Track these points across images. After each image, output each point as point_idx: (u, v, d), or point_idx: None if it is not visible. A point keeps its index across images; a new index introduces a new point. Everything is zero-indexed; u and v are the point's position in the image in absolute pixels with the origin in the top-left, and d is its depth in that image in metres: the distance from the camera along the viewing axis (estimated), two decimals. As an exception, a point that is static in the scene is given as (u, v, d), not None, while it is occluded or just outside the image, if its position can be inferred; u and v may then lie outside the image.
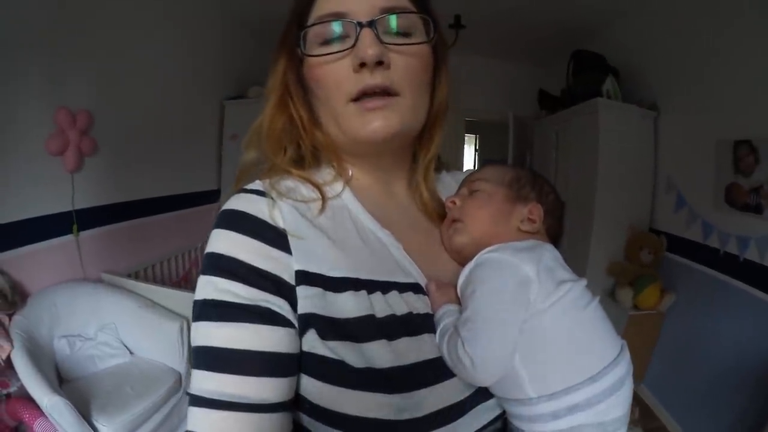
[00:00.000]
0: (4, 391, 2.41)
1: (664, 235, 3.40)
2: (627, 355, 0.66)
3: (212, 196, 4.55)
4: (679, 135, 3.34)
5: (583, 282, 0.68)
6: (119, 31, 3.24)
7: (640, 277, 3.32)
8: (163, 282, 3.70)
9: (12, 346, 2.38)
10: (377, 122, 0.67)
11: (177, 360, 2.85)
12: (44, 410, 2.20)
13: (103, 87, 3.14)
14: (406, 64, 0.68)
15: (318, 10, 0.69)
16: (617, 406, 0.62)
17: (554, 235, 0.82)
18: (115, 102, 3.25)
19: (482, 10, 3.99)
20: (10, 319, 2.51)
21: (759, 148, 2.53)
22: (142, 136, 3.55)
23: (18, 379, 2.42)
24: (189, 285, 4.07)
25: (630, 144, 3.54)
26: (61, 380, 2.55)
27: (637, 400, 3.32)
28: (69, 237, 3.01)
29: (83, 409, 2.25)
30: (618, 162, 3.53)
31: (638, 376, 3.38)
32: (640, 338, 3.30)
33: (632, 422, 3.13)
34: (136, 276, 3.45)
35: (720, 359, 2.81)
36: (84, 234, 3.10)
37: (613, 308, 3.38)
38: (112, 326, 2.92)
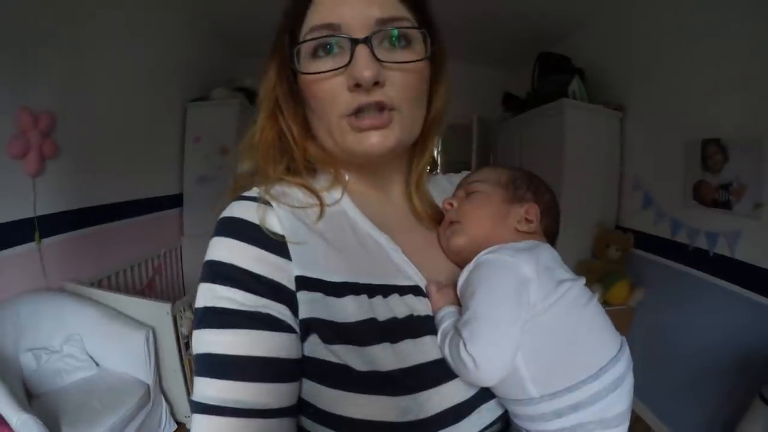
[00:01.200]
0: None
1: (632, 232, 3.49)
2: (627, 350, 0.67)
3: (174, 201, 4.46)
4: (645, 135, 3.43)
5: (582, 281, 0.70)
6: (83, 32, 3.13)
7: (609, 273, 3.39)
8: (127, 290, 3.60)
9: (-25, 361, 2.28)
10: (373, 139, 0.67)
11: (144, 371, 2.79)
12: (13, 428, 2.09)
13: (65, 88, 3.02)
14: (402, 81, 0.67)
15: (311, 20, 0.68)
16: (619, 402, 0.63)
17: (551, 235, 0.84)
18: (77, 104, 3.13)
19: (449, 14, 3.95)
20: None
21: (728, 146, 2.62)
22: (104, 139, 3.43)
23: None
24: (153, 293, 3.99)
25: (596, 144, 3.61)
26: (29, 395, 2.46)
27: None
28: (31, 245, 2.87)
29: (53, 426, 2.20)
30: (584, 162, 3.59)
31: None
32: None
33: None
34: (99, 284, 3.34)
35: (692, 351, 2.90)
36: (46, 241, 2.97)
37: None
38: (78, 337, 2.81)
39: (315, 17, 0.67)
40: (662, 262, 3.20)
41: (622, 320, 3.40)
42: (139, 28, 3.73)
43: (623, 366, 0.64)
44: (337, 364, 0.61)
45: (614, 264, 3.46)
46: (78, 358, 2.75)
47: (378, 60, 0.64)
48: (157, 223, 4.14)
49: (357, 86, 0.64)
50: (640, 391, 3.25)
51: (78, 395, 2.56)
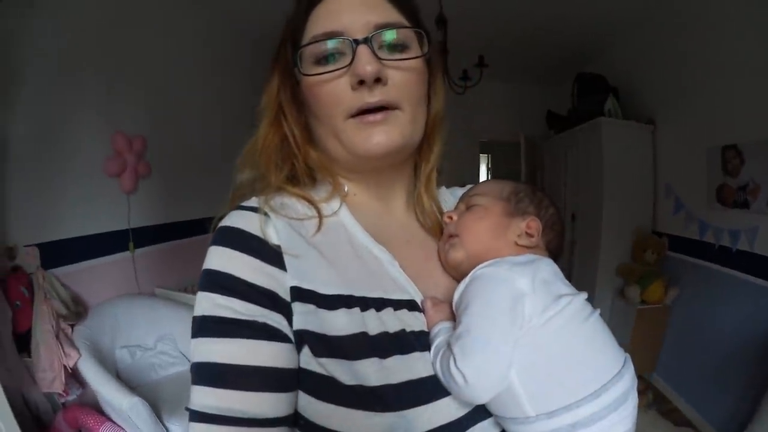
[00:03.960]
0: (63, 399, 2.51)
1: (666, 236, 3.73)
2: (631, 368, 0.65)
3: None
4: (673, 145, 3.69)
5: (583, 295, 0.67)
6: (166, 64, 3.51)
7: (646, 274, 3.62)
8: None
9: (79, 354, 2.49)
10: (378, 136, 0.68)
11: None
12: (120, 413, 2.29)
13: (153, 115, 3.36)
14: (403, 79, 0.69)
15: (312, 29, 0.69)
16: (621, 422, 0.60)
17: (554, 250, 0.81)
18: (164, 129, 3.48)
19: (498, 41, 4.36)
20: (72, 330, 2.62)
21: (744, 151, 2.89)
22: (187, 161, 3.77)
23: (78, 388, 2.56)
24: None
25: (631, 156, 3.90)
26: (124, 387, 2.64)
27: (650, 386, 3.60)
28: (125, 253, 3.18)
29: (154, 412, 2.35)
30: (621, 173, 3.88)
31: (650, 366, 3.64)
32: (649, 330, 3.59)
33: (646, 405, 3.43)
34: (184, 291, 3.58)
35: (722, 342, 3.09)
36: (139, 251, 3.27)
37: (623, 304, 3.69)
38: (171, 337, 3.05)
39: (316, 26, 0.69)
40: (693, 261, 3.43)
41: (658, 317, 3.63)
42: (214, 61, 4.13)
43: (626, 385, 0.62)
44: (326, 376, 0.60)
45: (651, 266, 3.69)
46: (171, 355, 2.98)
47: (378, 59, 0.66)
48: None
49: (360, 83, 0.66)
50: (674, 381, 3.48)
51: (175, 386, 2.75)
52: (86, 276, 2.89)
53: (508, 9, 3.87)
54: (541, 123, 5.48)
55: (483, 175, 9.60)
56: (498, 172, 9.53)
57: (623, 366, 0.63)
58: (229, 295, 0.62)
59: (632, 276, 3.71)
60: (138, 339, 2.96)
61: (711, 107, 3.23)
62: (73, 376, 2.53)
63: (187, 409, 0.61)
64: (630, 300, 3.62)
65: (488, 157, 9.88)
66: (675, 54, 3.60)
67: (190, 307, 2.56)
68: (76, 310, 2.71)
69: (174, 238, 3.68)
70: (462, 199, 0.84)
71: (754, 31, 2.80)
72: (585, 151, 4.28)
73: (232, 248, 0.65)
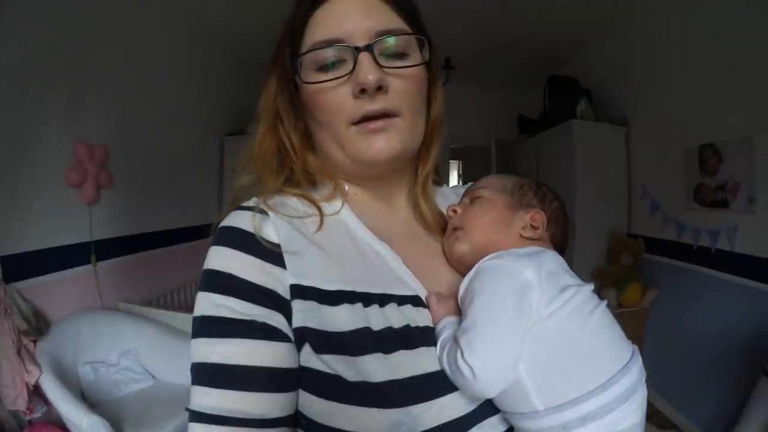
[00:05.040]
0: (28, 417, 2.44)
1: (642, 238, 3.70)
2: (639, 360, 0.64)
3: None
4: (648, 146, 3.68)
5: (589, 287, 0.68)
6: (132, 72, 3.43)
7: (622, 278, 3.59)
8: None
9: (40, 371, 2.41)
10: (380, 144, 0.68)
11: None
12: (80, 431, 2.22)
13: (117, 123, 3.29)
14: (403, 86, 0.69)
15: (313, 35, 0.69)
16: (631, 414, 0.60)
17: (559, 243, 0.81)
18: (128, 138, 3.40)
19: (467, 45, 4.31)
20: (34, 345, 2.55)
21: (721, 150, 2.85)
22: (152, 171, 3.70)
23: (42, 405, 2.47)
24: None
25: (604, 158, 3.87)
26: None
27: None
28: (87, 267, 3.09)
29: (116, 430, 2.29)
30: (595, 176, 3.85)
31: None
32: (628, 333, 3.41)
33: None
34: (149, 305, 3.51)
35: (704, 343, 3.05)
36: (101, 264, 3.18)
37: (599, 309, 3.62)
38: (134, 352, 2.97)
39: (317, 32, 0.69)
40: (671, 263, 3.40)
41: (637, 320, 3.59)
42: (181, 68, 4.05)
43: (634, 376, 0.61)
44: (329, 374, 0.60)
45: (628, 269, 3.65)
46: (135, 371, 2.90)
47: (380, 66, 0.66)
48: (200, 249, 4.23)
49: (362, 92, 0.66)
50: (656, 384, 3.39)
51: (138, 403, 2.69)
52: (48, 290, 2.81)
53: (478, 11, 3.84)
54: (513, 127, 5.47)
55: (454, 182, 9.64)
56: (469, 178, 9.40)
57: (631, 358, 0.63)
58: (228, 295, 0.62)
59: (608, 279, 3.67)
60: (101, 355, 2.88)
61: (686, 107, 3.21)
62: (38, 394, 2.46)
63: (187, 409, 0.61)
64: (607, 304, 3.53)
65: (459, 163, 9.92)
66: (648, 55, 3.59)
67: (155, 322, 2.52)
68: (38, 326, 2.62)
69: (138, 250, 3.59)
70: (466, 193, 0.86)
71: (728, 30, 2.79)
72: (557, 154, 4.26)
73: (231, 247, 0.65)
